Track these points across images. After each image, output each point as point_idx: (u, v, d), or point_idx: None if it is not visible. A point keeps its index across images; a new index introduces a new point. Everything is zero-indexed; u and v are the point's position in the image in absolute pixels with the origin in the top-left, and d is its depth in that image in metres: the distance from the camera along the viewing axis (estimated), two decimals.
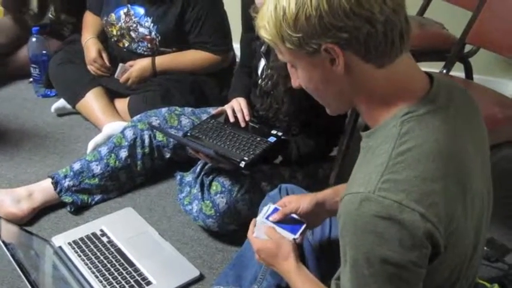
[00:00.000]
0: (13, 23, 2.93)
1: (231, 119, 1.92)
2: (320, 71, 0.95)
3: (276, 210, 1.33)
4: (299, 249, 1.40)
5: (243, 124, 1.90)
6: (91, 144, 2.27)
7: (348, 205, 0.90)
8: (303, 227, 1.31)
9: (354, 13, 0.87)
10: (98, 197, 2.06)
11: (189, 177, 1.97)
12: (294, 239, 1.28)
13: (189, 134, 1.93)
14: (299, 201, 1.33)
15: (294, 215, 1.33)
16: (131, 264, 1.73)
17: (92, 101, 2.48)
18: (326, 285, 1.16)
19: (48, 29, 2.94)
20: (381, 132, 0.95)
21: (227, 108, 1.95)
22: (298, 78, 1.02)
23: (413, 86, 0.97)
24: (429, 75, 1.01)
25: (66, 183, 1.99)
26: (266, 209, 1.35)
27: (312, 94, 1.03)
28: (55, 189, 1.98)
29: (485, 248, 1.77)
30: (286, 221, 1.32)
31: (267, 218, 1.32)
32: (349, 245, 0.91)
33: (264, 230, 1.28)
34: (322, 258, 1.42)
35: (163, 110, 2.15)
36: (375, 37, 0.89)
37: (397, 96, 0.95)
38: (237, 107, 1.93)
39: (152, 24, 2.38)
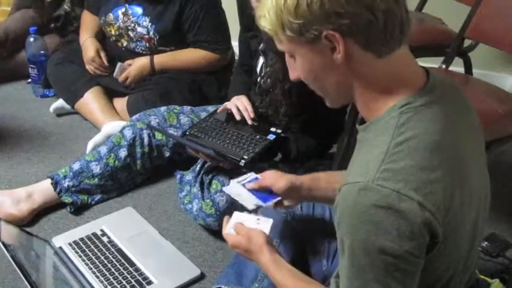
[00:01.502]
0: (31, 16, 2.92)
1: (237, 117, 1.90)
2: (320, 59, 0.95)
3: (255, 180, 1.39)
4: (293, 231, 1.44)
5: (250, 122, 1.88)
6: (90, 144, 2.26)
7: (346, 194, 0.90)
8: (276, 199, 1.35)
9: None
10: (97, 197, 2.05)
11: (189, 176, 1.96)
12: (260, 206, 1.34)
13: (188, 132, 1.92)
14: (277, 179, 1.37)
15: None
16: (132, 264, 1.73)
17: (91, 101, 2.47)
18: (328, 284, 1.15)
19: (61, 21, 2.92)
20: (379, 124, 0.95)
21: (231, 106, 1.94)
22: (296, 71, 1.01)
23: (411, 79, 0.97)
24: (425, 69, 1.01)
25: (66, 183, 1.99)
26: (248, 175, 1.40)
27: (311, 85, 1.03)
28: (55, 190, 1.98)
29: (486, 243, 1.78)
30: (261, 192, 1.38)
31: (243, 184, 1.38)
32: (347, 235, 0.91)
33: (233, 226, 1.30)
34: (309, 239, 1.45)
35: (162, 108, 2.14)
36: (375, 26, 0.90)
37: (395, 88, 0.95)
38: (241, 105, 1.91)
39: (150, 24, 2.37)
